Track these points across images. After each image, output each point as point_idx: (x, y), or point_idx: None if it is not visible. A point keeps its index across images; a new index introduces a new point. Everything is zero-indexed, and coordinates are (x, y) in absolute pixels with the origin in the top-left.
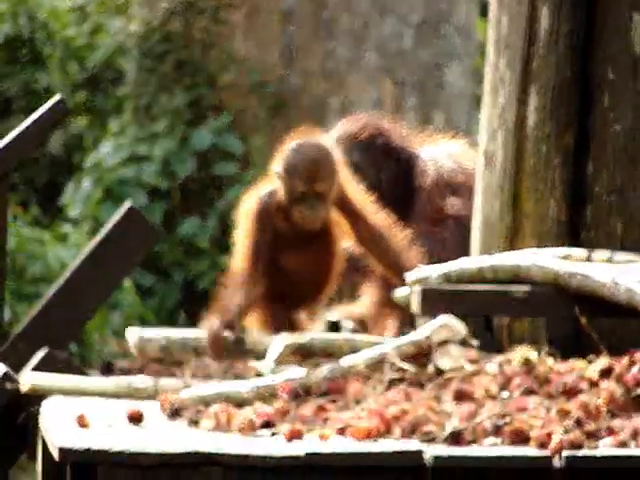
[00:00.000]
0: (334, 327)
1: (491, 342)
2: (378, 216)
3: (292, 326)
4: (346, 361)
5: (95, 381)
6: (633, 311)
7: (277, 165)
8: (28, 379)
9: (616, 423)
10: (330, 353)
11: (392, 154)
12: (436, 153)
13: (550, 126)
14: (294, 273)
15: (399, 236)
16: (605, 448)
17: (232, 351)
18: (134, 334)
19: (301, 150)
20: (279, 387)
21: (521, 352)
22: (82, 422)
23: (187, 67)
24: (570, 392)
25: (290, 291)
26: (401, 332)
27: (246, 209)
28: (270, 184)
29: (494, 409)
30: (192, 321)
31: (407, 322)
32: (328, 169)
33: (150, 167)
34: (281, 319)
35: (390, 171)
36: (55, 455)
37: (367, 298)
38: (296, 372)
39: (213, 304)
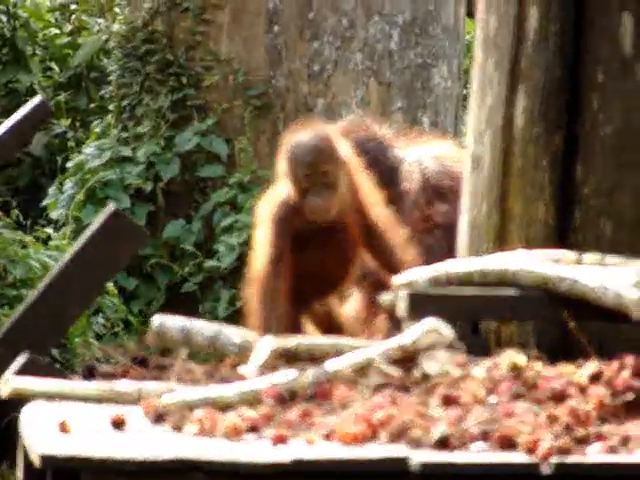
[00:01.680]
0: None
1: (479, 346)
2: (383, 215)
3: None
4: (332, 365)
5: (78, 385)
6: (622, 315)
7: (281, 161)
8: (10, 383)
9: (606, 429)
10: (316, 357)
11: (377, 157)
12: (421, 155)
13: (538, 128)
14: (311, 273)
15: (400, 236)
16: (594, 454)
17: None
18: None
19: (302, 141)
20: (264, 391)
21: (509, 356)
22: (64, 428)
23: (171, 68)
24: (559, 397)
25: (304, 290)
26: (388, 336)
27: (264, 214)
28: (283, 186)
29: (482, 414)
30: None
31: (394, 326)
32: (330, 155)
33: (134, 169)
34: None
35: (375, 175)
36: (36, 462)
37: (354, 301)
38: (282, 376)
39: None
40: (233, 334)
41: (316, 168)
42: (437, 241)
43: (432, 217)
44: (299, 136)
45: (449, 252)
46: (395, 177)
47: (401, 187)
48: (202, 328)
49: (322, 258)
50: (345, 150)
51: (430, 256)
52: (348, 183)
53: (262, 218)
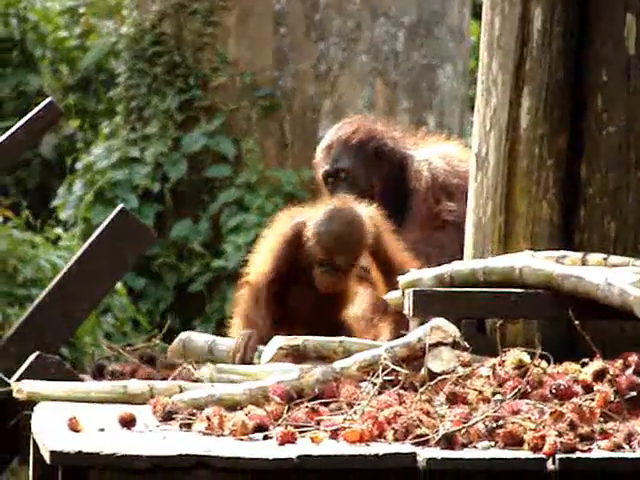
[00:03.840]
0: None
1: (484, 345)
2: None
3: None
4: (339, 364)
5: (91, 387)
6: (627, 313)
7: (310, 225)
8: (24, 387)
9: (610, 426)
10: (323, 356)
11: (384, 157)
12: (430, 155)
13: (543, 128)
14: (298, 309)
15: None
16: (599, 451)
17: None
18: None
19: (331, 219)
20: (271, 390)
21: (514, 355)
22: (74, 425)
23: (179, 69)
24: (564, 395)
25: (293, 324)
26: (394, 335)
27: (279, 228)
28: (306, 213)
29: (487, 412)
30: (184, 324)
31: (401, 325)
32: (353, 243)
33: (142, 170)
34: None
35: (383, 174)
36: (47, 459)
37: (361, 301)
38: (287, 375)
39: (236, 313)
40: None
41: (334, 254)
42: (450, 240)
43: (443, 215)
44: (330, 212)
45: (459, 250)
46: (403, 175)
47: (410, 185)
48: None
49: (309, 300)
50: (370, 233)
51: (441, 253)
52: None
53: (276, 231)
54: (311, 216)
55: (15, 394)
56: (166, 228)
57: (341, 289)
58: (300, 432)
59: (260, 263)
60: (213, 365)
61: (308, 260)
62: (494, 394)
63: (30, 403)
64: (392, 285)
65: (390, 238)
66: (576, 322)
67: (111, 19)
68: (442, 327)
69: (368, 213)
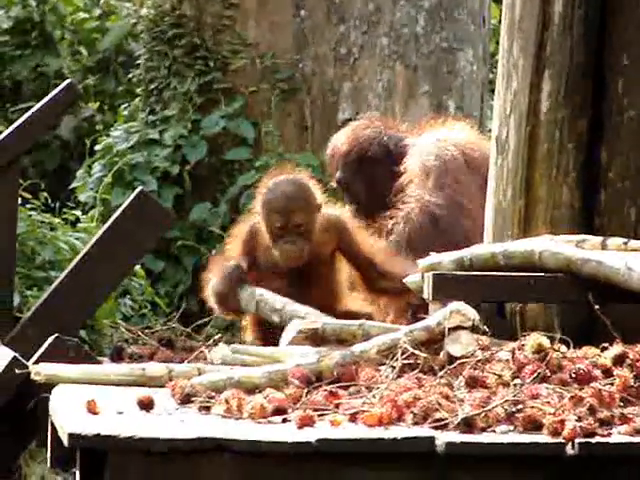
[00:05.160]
0: None
1: (503, 329)
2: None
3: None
4: (358, 347)
5: (109, 369)
6: None
7: (257, 203)
8: (42, 370)
9: (630, 410)
10: (343, 339)
11: (370, 162)
12: (425, 140)
13: (563, 112)
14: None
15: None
16: (618, 435)
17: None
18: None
19: (277, 186)
20: (290, 373)
21: (534, 339)
22: (92, 408)
23: (199, 51)
24: (583, 379)
25: None
26: (414, 318)
27: (237, 232)
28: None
29: (507, 396)
30: (202, 307)
31: (419, 309)
32: (305, 203)
33: (161, 152)
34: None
35: (370, 179)
36: (65, 441)
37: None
38: (306, 358)
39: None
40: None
41: (289, 216)
42: (409, 222)
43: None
44: (275, 182)
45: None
46: (394, 167)
47: (399, 168)
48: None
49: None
50: (320, 197)
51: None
52: (326, 228)
53: (234, 235)
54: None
55: (33, 376)
56: (185, 211)
57: (303, 260)
58: (319, 415)
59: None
60: (227, 346)
61: (266, 254)
62: (513, 378)
63: (48, 385)
64: (371, 278)
65: (358, 233)
66: (596, 306)
67: (130, 1)
68: (461, 311)
69: (336, 213)
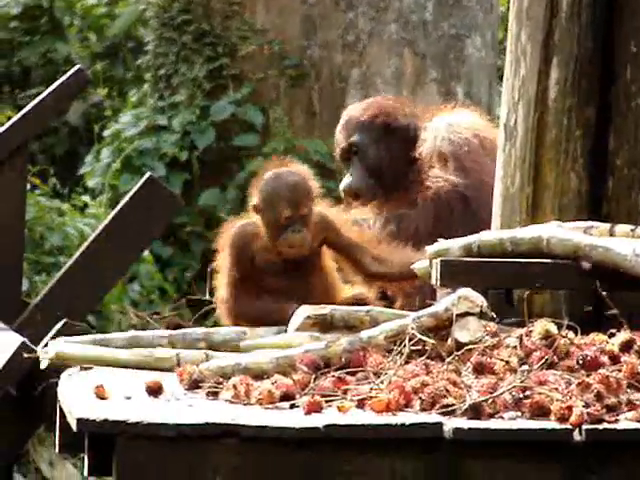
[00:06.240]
0: None
1: (511, 315)
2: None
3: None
4: (366, 333)
5: (118, 352)
6: None
7: (255, 197)
8: (52, 348)
9: (637, 397)
10: (351, 325)
11: (394, 132)
12: (438, 124)
13: (571, 99)
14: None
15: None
16: (626, 422)
17: None
18: None
19: (281, 178)
20: (298, 359)
21: (541, 325)
22: (100, 393)
23: (207, 38)
24: (590, 366)
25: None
26: (421, 305)
27: (224, 240)
28: (246, 217)
29: (514, 382)
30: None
31: (427, 295)
32: (309, 192)
33: (169, 138)
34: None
35: (392, 148)
36: (73, 426)
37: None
38: (314, 344)
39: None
40: None
41: (296, 206)
42: (419, 215)
43: (425, 184)
44: (275, 174)
45: (433, 226)
46: (411, 148)
47: (415, 153)
48: None
49: (292, 288)
50: (316, 187)
51: (407, 230)
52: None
53: (223, 244)
54: (254, 222)
55: (42, 358)
56: (193, 196)
57: (307, 249)
58: (327, 401)
59: (222, 280)
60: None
61: (263, 253)
62: (521, 364)
63: (57, 370)
64: (364, 264)
65: (342, 223)
66: (603, 293)
67: None
68: (469, 297)
69: (320, 210)
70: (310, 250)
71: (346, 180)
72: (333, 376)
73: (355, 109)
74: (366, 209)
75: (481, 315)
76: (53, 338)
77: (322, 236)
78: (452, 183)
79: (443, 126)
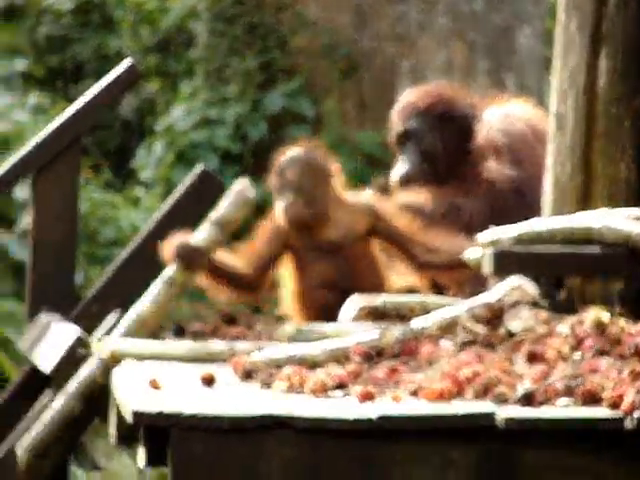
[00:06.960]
0: None
1: (563, 303)
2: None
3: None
4: (418, 323)
5: (173, 346)
6: None
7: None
8: (107, 346)
9: None
10: (403, 315)
11: (450, 120)
12: (492, 115)
13: (620, 88)
14: (325, 284)
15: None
16: None
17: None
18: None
19: (287, 156)
20: (351, 349)
21: (593, 313)
22: (155, 385)
23: (258, 30)
24: None
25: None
26: (474, 294)
27: (271, 216)
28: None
29: (566, 370)
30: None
31: (479, 284)
32: (308, 159)
33: (222, 131)
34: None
35: (448, 136)
36: (128, 418)
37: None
38: (368, 335)
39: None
40: None
41: (285, 174)
42: (475, 205)
43: (482, 175)
44: (289, 154)
45: (488, 217)
46: (468, 137)
47: (473, 144)
48: None
49: (329, 272)
50: (333, 167)
51: (462, 220)
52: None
53: (269, 219)
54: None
55: (96, 353)
56: None
57: (308, 217)
58: (380, 392)
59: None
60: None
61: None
62: (573, 352)
63: (113, 362)
64: (414, 253)
65: (391, 214)
66: None
67: None
68: (521, 286)
69: (364, 197)
70: (353, 235)
71: (399, 165)
72: (386, 366)
73: (413, 94)
74: (419, 195)
75: (533, 304)
76: (107, 331)
77: (369, 224)
78: (507, 176)
79: (498, 117)
